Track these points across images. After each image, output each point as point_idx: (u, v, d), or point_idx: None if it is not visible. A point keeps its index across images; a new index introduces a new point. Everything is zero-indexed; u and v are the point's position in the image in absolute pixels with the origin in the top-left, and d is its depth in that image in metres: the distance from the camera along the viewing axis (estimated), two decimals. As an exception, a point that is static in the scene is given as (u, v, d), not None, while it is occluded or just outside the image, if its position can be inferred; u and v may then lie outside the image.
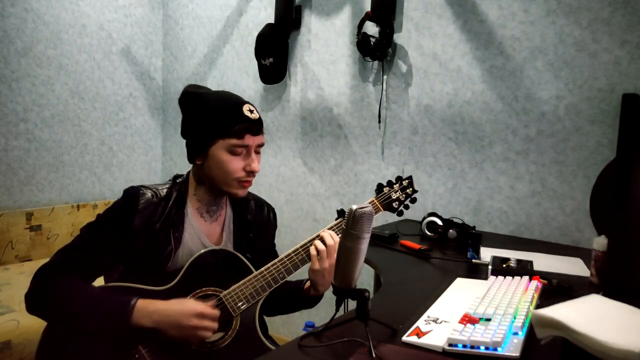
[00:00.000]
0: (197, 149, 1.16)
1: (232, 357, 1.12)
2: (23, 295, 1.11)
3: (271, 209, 1.37)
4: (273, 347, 1.13)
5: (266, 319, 1.38)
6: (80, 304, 1.08)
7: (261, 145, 1.19)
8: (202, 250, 1.17)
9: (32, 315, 1.10)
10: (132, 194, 1.18)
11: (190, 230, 1.21)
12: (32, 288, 1.10)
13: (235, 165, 1.14)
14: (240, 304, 1.13)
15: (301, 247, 1.17)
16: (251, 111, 1.15)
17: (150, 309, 1.06)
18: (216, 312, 1.09)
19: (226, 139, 1.12)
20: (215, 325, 1.08)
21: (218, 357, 1.11)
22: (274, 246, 1.38)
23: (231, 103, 1.15)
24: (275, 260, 1.16)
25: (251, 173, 1.16)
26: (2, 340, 1.83)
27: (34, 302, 1.10)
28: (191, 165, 1.24)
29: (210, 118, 1.13)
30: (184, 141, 1.22)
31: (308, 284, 1.23)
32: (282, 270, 1.15)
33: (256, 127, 1.15)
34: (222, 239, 1.25)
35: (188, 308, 1.07)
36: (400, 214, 1.32)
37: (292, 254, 1.16)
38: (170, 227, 1.17)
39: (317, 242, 1.15)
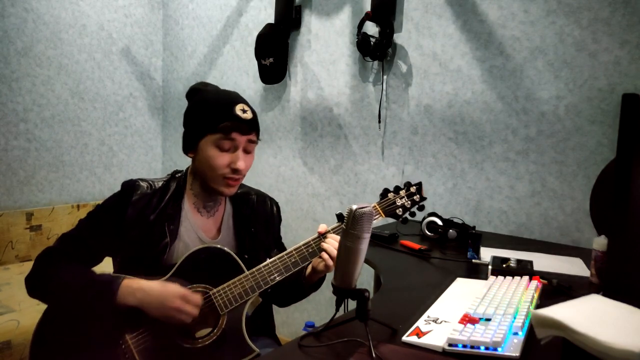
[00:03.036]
0: (189, 142, 1.19)
1: (216, 355, 1.12)
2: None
3: (274, 202, 1.37)
4: (257, 350, 1.12)
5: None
6: (72, 284, 1.11)
7: (253, 143, 1.19)
8: (197, 247, 1.17)
9: (32, 298, 1.15)
10: (128, 186, 1.21)
11: (186, 224, 1.22)
12: (32, 272, 1.15)
13: (221, 161, 1.15)
14: (228, 302, 1.13)
15: (295, 249, 1.16)
16: (244, 111, 1.16)
17: (135, 286, 1.08)
18: (199, 299, 1.10)
19: (214, 134, 1.14)
20: (196, 311, 1.09)
21: (202, 354, 1.12)
22: (280, 239, 1.38)
23: (225, 101, 1.17)
24: (267, 262, 1.15)
25: (236, 171, 1.16)
26: (2, 340, 1.83)
27: (34, 284, 1.15)
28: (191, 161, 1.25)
29: (203, 113, 1.16)
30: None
31: (309, 270, 1.22)
32: (274, 271, 1.14)
33: (246, 126, 1.16)
34: (220, 234, 1.25)
35: (172, 289, 1.08)
36: (404, 221, 1.26)
37: (285, 256, 1.16)
38: (165, 220, 1.19)
39: (324, 254, 1.13)
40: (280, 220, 1.38)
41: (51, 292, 1.14)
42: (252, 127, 1.17)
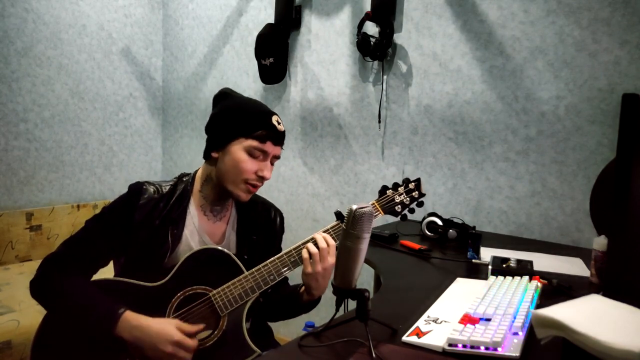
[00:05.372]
0: (217, 142, 1.19)
1: (217, 356, 1.12)
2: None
3: (279, 213, 1.36)
4: (258, 350, 1.12)
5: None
6: (74, 304, 1.11)
7: (278, 157, 1.22)
8: (196, 249, 1.17)
9: (34, 300, 1.16)
10: (136, 189, 1.21)
11: (191, 228, 1.21)
12: (36, 277, 1.15)
13: (249, 166, 1.16)
14: (228, 303, 1.13)
15: (294, 249, 1.16)
16: (278, 122, 1.20)
17: (134, 323, 1.07)
18: (193, 344, 1.09)
19: (248, 139, 1.16)
20: (189, 356, 1.08)
21: (203, 356, 1.12)
22: (280, 250, 1.36)
23: (262, 109, 1.20)
24: (267, 262, 1.15)
25: (261, 179, 1.18)
26: (2, 340, 1.83)
27: (37, 291, 1.15)
28: (193, 168, 1.25)
29: (239, 116, 1.18)
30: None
31: (303, 288, 1.21)
32: (273, 271, 1.14)
33: (279, 137, 1.19)
34: (225, 238, 1.25)
35: (167, 333, 1.07)
36: (403, 218, 1.25)
37: (284, 256, 1.16)
38: (169, 224, 1.18)
39: (310, 245, 1.13)
40: (282, 231, 1.37)
41: (53, 303, 1.14)
42: (283, 139, 1.22)
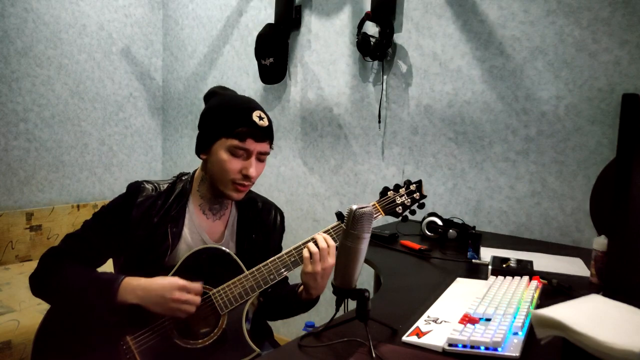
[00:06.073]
0: (203, 144, 1.19)
1: (216, 355, 1.12)
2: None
3: (279, 212, 1.36)
4: (257, 350, 1.12)
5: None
6: (74, 283, 1.12)
7: (265, 153, 1.19)
8: (197, 248, 1.17)
9: (36, 297, 1.16)
10: (134, 187, 1.21)
11: (190, 226, 1.22)
12: (36, 271, 1.16)
13: (233, 166, 1.14)
14: (228, 302, 1.13)
15: (294, 248, 1.16)
16: (260, 118, 1.16)
17: (134, 284, 1.09)
18: (198, 286, 1.10)
19: (229, 139, 1.14)
20: (197, 299, 1.09)
21: (202, 354, 1.12)
22: (280, 249, 1.36)
23: (243, 106, 1.17)
24: (267, 261, 1.15)
25: (247, 177, 1.16)
26: (2, 340, 1.83)
27: (37, 284, 1.16)
28: (193, 168, 1.26)
29: (219, 116, 1.16)
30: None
31: (301, 287, 1.21)
32: (273, 271, 1.14)
33: (261, 133, 1.15)
34: (224, 237, 1.25)
35: (170, 282, 1.08)
36: (404, 219, 1.25)
37: (285, 255, 1.16)
38: (168, 222, 1.19)
39: (311, 245, 1.13)
40: (282, 230, 1.37)
41: (54, 291, 1.14)
42: (267, 135, 1.17)
